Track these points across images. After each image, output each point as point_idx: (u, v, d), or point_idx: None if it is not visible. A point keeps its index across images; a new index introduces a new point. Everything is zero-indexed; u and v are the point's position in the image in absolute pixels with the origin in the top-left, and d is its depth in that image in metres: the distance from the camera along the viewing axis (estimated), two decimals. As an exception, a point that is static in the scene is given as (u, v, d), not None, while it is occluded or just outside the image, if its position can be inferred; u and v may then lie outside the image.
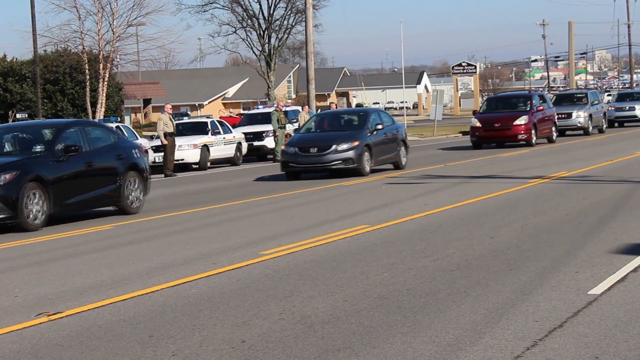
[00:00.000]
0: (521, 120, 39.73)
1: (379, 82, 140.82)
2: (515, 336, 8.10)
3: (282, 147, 29.62)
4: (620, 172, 23.96)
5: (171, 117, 35.56)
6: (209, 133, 38.86)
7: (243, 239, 15.07)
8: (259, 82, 79.87)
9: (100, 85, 52.63)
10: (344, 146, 27.46)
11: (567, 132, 48.75)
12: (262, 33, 69.34)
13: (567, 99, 51.94)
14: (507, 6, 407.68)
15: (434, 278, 10.83)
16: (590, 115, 49.30)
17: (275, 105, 43.21)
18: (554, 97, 53.67)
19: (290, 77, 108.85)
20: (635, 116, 57.67)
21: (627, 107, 57.89)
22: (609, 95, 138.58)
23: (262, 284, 10.97)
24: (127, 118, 73.91)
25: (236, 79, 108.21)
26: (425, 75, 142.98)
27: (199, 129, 39.46)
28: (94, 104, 53.34)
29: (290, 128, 41.70)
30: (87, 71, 53.51)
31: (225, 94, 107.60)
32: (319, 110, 57.15)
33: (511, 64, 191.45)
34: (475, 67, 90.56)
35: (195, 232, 16.61)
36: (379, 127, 28.86)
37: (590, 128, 49.00)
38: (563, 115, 47.69)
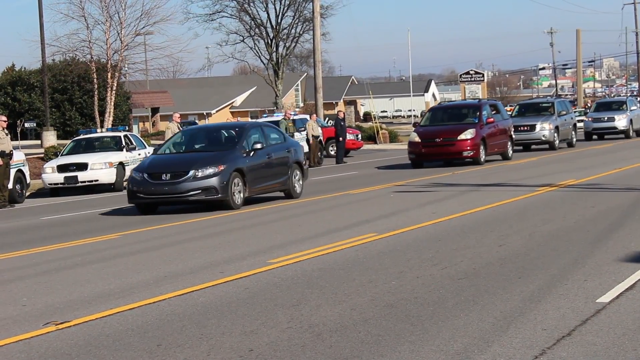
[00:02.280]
0: (467, 135, 34.39)
1: (387, 90, 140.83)
2: (523, 345, 8.08)
3: (131, 173, 23.58)
4: (629, 180, 23.92)
5: (179, 126, 35.59)
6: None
7: (250, 247, 15.07)
8: (267, 90, 79.94)
9: (109, 94, 52.68)
10: (207, 171, 21.77)
11: (533, 147, 44.65)
12: (269, 42, 69.37)
13: (531, 109, 46.85)
14: (515, 14, 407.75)
15: (442, 286, 10.81)
16: (557, 128, 44.25)
17: (283, 113, 43.23)
18: (516, 107, 49.45)
19: (298, 85, 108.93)
20: (615, 127, 52.29)
21: (606, 118, 52.52)
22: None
23: (270, 293, 10.96)
24: (135, 127, 74.05)
25: (244, 88, 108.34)
26: (433, 84, 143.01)
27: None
28: (102, 113, 53.37)
29: (298, 137, 41.75)
30: (95, 80, 53.56)
31: (233, 102, 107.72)
32: (327, 118, 57.25)
33: (519, 72, 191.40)
34: (483, 75, 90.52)
35: (203, 241, 16.61)
36: (258, 146, 23.05)
37: (557, 142, 44.06)
38: (525, 128, 43.48)
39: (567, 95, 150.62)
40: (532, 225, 15.93)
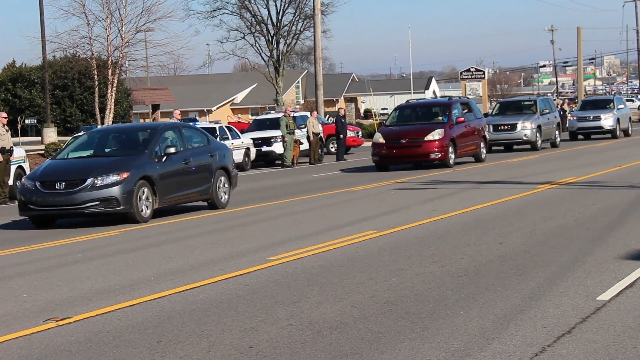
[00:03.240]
0: (434, 135, 31.93)
1: (388, 87, 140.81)
2: (523, 342, 8.09)
3: (23, 180, 21.18)
4: (629, 177, 23.91)
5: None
6: (218, 139, 38.86)
7: (251, 244, 15.07)
8: (268, 87, 79.95)
9: (109, 90, 52.68)
10: (107, 179, 19.14)
11: (515, 147, 42.27)
12: (270, 39, 69.40)
13: (512, 108, 44.34)
14: (516, 12, 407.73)
15: (442, 284, 10.82)
16: (539, 127, 41.76)
17: (284, 110, 43.25)
18: (496, 105, 46.83)
19: (298, 82, 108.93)
20: (601, 127, 49.56)
21: (592, 117, 49.67)
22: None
23: (270, 290, 10.97)
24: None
25: (244, 85, 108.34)
26: (433, 81, 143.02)
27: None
28: (102, 110, 53.37)
29: (299, 134, 41.75)
30: (95, 77, 53.55)
31: (233, 99, 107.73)
32: (327, 116, 57.23)
33: (520, 70, 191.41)
34: (484, 73, 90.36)
35: (203, 238, 16.62)
36: (172, 150, 20.32)
37: (539, 142, 41.57)
38: (506, 127, 41.40)
39: (567, 92, 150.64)
40: (532, 222, 15.93)
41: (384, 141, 32.42)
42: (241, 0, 69.39)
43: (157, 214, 20.12)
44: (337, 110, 50.43)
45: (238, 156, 39.94)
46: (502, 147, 42.21)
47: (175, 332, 9.08)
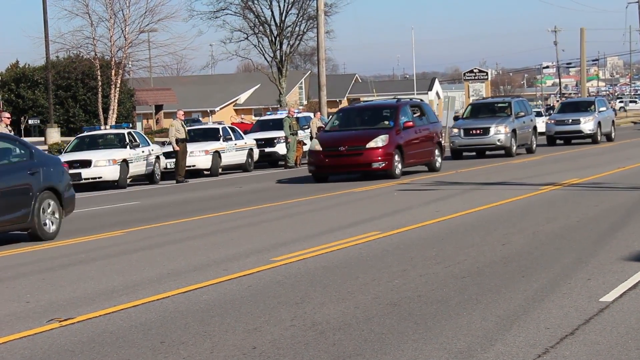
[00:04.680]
0: (377, 142, 28.43)
1: (391, 88, 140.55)
2: (526, 343, 8.08)
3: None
4: (632, 179, 23.91)
5: (183, 123, 35.65)
6: (221, 139, 38.94)
7: (254, 245, 15.08)
8: (271, 88, 79.90)
9: (112, 91, 52.76)
10: None
11: (488, 153, 39.78)
12: (273, 39, 69.36)
13: (485, 110, 41.28)
14: (519, 13, 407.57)
15: (445, 285, 10.82)
16: (514, 131, 38.96)
17: (287, 111, 43.24)
18: (467, 107, 43.54)
19: (301, 83, 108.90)
20: (580, 131, 46.77)
21: (570, 120, 46.90)
22: (621, 102, 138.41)
23: (273, 291, 10.97)
24: (138, 124, 74.08)
25: (248, 85, 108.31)
26: (436, 82, 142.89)
27: (211, 135, 39.56)
28: (105, 110, 53.46)
29: (302, 134, 41.75)
30: (99, 77, 53.64)
31: (236, 100, 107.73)
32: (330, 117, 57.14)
33: (523, 71, 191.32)
34: (487, 74, 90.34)
35: (206, 239, 16.62)
36: None
37: (514, 147, 38.85)
38: (478, 131, 38.66)
39: (570, 94, 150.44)
40: (535, 224, 15.93)
41: (321, 149, 28.88)
42: (244, 1, 69.35)
43: (162, 215, 20.08)
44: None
45: (241, 157, 40.02)
46: (473, 153, 39.96)
47: (178, 332, 9.09)
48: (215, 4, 70.06)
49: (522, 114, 40.81)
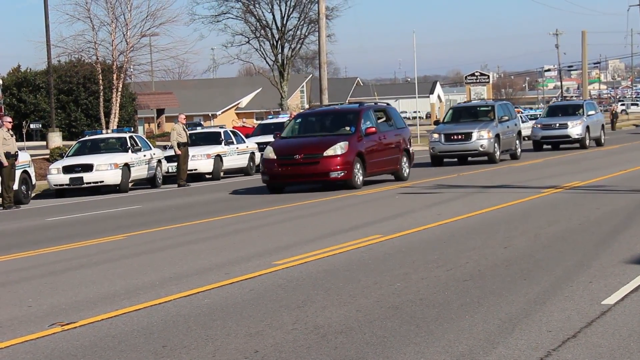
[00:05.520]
0: (336, 150, 26.25)
1: (392, 91, 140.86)
2: (528, 346, 8.08)
3: None
4: (634, 182, 23.90)
5: (184, 127, 35.68)
6: (222, 143, 38.94)
7: (256, 249, 15.08)
8: (272, 92, 79.97)
9: (114, 95, 52.76)
10: None
11: (470, 159, 38.03)
12: (275, 43, 69.40)
13: (467, 114, 39.28)
14: (520, 16, 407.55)
15: (447, 288, 10.82)
16: (498, 136, 37.07)
17: (289, 115, 43.22)
18: (448, 111, 41.44)
19: (303, 87, 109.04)
20: (568, 136, 45.10)
21: (557, 125, 45.15)
22: (622, 105, 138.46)
23: (275, 294, 10.97)
24: (140, 128, 74.16)
25: (249, 89, 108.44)
26: (438, 85, 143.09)
27: (212, 139, 39.56)
28: (107, 114, 53.45)
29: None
30: (100, 81, 53.64)
31: (238, 103, 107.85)
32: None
33: (524, 74, 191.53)
34: (488, 77, 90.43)
35: (208, 242, 16.63)
36: None
37: (498, 154, 37.06)
38: (460, 137, 36.81)
39: (572, 97, 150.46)
40: (537, 226, 15.93)
41: (275, 157, 26.68)
42: (246, 5, 69.44)
43: (163, 219, 20.09)
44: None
45: (243, 161, 40.03)
46: (455, 160, 38.22)
47: (180, 336, 9.09)
48: (216, 8, 70.39)
49: (506, 118, 38.87)
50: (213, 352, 8.44)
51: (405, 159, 29.28)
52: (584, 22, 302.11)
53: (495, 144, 36.94)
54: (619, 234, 14.53)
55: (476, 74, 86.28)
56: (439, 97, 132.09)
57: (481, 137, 36.67)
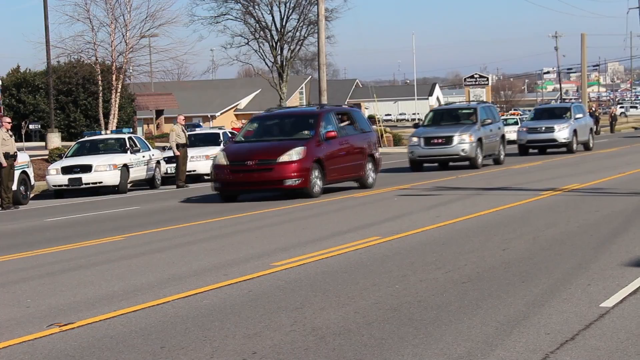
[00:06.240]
0: (291, 155, 24.50)
1: (391, 93, 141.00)
2: (526, 349, 8.08)
3: None
4: (633, 185, 23.91)
5: (184, 128, 35.67)
6: (222, 144, 38.93)
7: (254, 250, 15.08)
8: (271, 93, 79.97)
9: (113, 96, 52.77)
10: None
11: (451, 164, 36.59)
12: (274, 44, 69.40)
13: (448, 117, 37.77)
14: (520, 18, 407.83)
15: (446, 290, 10.82)
16: (480, 140, 35.47)
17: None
18: (429, 114, 39.91)
19: (302, 88, 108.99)
20: (554, 139, 43.60)
21: (544, 128, 43.73)
22: (621, 107, 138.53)
23: (273, 296, 10.97)
24: (139, 129, 74.11)
25: (248, 90, 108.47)
26: (437, 87, 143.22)
27: (211, 140, 39.58)
28: (106, 115, 53.46)
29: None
30: (100, 82, 53.65)
31: (237, 105, 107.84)
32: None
33: (523, 76, 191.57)
34: (488, 79, 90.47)
35: (207, 244, 16.62)
36: None
37: (480, 158, 35.43)
38: (440, 140, 35.14)
39: (571, 99, 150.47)
40: (535, 229, 15.93)
41: (227, 163, 25.03)
42: (245, 6, 69.43)
43: (162, 220, 20.09)
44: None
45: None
46: (436, 164, 36.79)
47: (178, 337, 9.09)
48: (216, 9, 70.28)
49: (489, 121, 37.25)
50: (211, 353, 8.44)
51: (370, 164, 27.40)
52: (583, 25, 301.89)
53: (478, 149, 35.45)
54: (618, 237, 14.53)
55: (475, 76, 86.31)
56: (438, 99, 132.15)
57: (463, 141, 35.17)
